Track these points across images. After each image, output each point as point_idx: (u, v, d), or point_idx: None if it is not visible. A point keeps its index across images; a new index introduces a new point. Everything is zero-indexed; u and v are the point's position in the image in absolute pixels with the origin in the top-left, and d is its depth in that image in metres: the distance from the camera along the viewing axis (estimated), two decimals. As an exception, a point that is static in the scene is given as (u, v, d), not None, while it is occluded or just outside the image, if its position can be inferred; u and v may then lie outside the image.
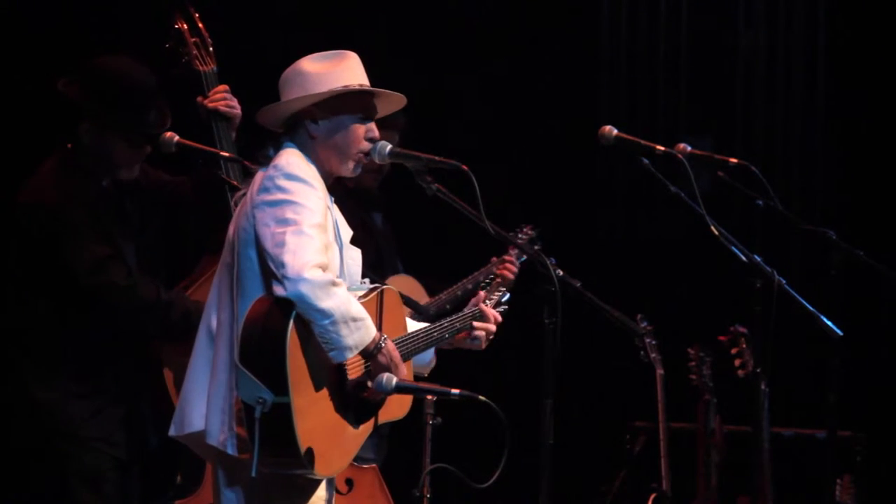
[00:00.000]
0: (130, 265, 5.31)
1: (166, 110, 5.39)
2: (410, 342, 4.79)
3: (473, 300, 5.05)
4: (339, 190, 5.83)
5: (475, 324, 4.95)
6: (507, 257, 6.25)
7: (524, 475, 5.21)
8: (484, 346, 5.00)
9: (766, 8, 7.94)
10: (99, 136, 5.32)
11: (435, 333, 4.87)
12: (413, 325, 4.91)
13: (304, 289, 4.37)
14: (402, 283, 5.91)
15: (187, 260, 5.64)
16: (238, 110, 5.51)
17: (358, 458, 5.19)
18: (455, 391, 4.73)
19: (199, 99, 5.52)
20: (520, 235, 6.42)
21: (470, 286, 6.20)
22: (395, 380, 4.54)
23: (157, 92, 5.35)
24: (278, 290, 4.41)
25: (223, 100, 5.50)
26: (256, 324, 4.44)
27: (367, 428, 4.67)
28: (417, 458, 5.83)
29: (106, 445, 5.29)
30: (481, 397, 4.61)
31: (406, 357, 4.73)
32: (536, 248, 6.33)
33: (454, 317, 4.96)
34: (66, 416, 5.26)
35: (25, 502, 5.39)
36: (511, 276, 6.16)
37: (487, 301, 5.08)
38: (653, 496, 6.77)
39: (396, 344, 4.68)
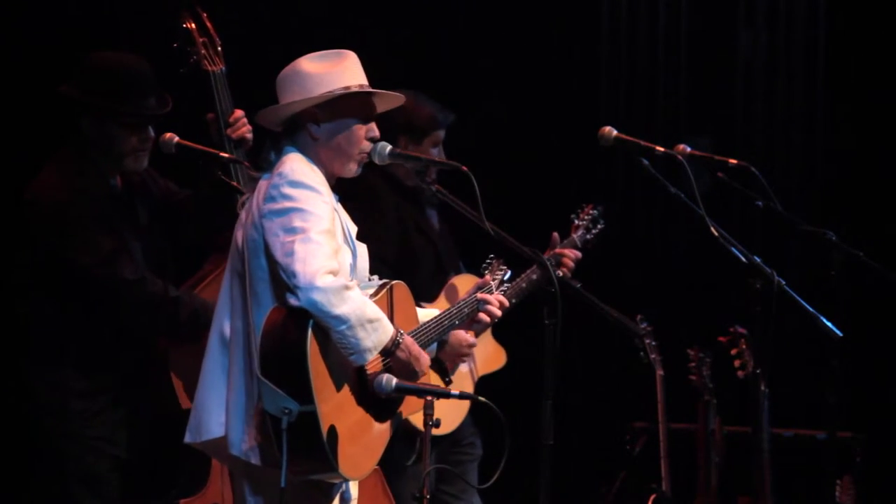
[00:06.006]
0: (138, 261, 5.31)
1: (166, 95, 5.38)
2: (424, 333, 4.83)
3: (479, 282, 5.06)
4: (396, 193, 5.85)
5: (480, 312, 4.97)
6: (565, 249, 6.17)
7: (524, 475, 5.21)
8: (489, 325, 5.05)
9: (766, 8, 7.94)
10: (100, 128, 5.31)
11: (446, 321, 4.91)
12: (422, 316, 4.93)
13: (318, 297, 4.39)
14: (466, 283, 5.84)
15: (190, 263, 5.64)
16: (251, 134, 5.49)
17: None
18: (455, 391, 4.74)
19: (211, 116, 5.50)
20: (582, 216, 6.36)
21: (534, 276, 6.04)
22: (394, 380, 4.55)
23: (152, 78, 5.34)
24: (292, 300, 4.42)
25: (243, 126, 5.49)
26: (274, 335, 4.45)
27: (390, 424, 4.70)
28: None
29: (107, 445, 5.29)
30: (481, 398, 4.62)
31: (422, 348, 4.75)
32: (595, 231, 6.30)
33: (461, 302, 4.99)
34: (68, 416, 5.26)
35: (26, 503, 5.39)
36: (572, 264, 6.11)
37: (492, 282, 5.10)
38: (653, 496, 6.76)
39: (411, 337, 4.70)
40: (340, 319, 4.41)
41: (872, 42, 7.82)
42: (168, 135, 5.42)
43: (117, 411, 5.31)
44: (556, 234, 6.13)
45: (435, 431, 4.59)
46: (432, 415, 4.56)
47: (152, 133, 5.35)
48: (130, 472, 5.33)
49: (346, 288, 4.43)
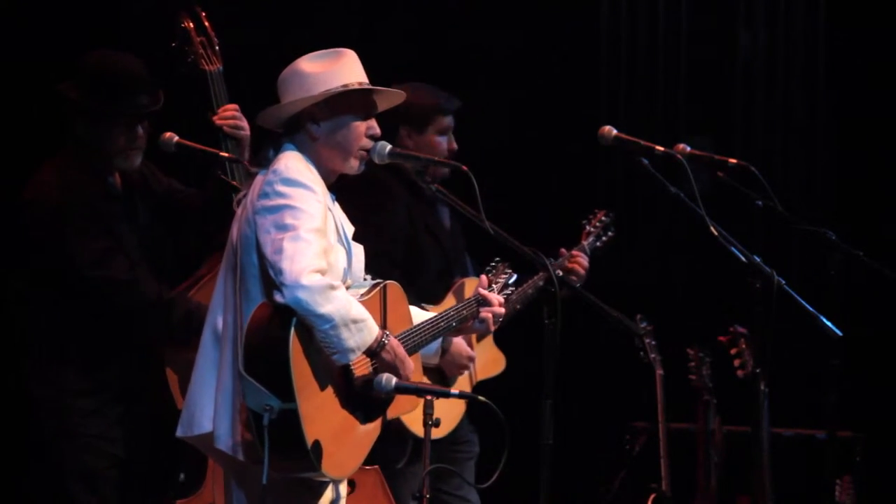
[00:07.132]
0: (134, 261, 5.30)
1: (158, 92, 5.36)
2: (417, 335, 4.80)
3: (477, 284, 5.05)
4: (407, 190, 5.82)
5: (482, 309, 4.96)
6: (574, 252, 6.18)
7: (524, 475, 5.21)
8: (493, 328, 5.02)
9: (765, 8, 7.94)
10: (91, 127, 5.31)
11: (441, 323, 4.89)
12: (419, 317, 4.91)
13: (303, 295, 4.38)
14: (474, 286, 5.84)
15: (189, 261, 5.63)
16: (247, 131, 5.47)
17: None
18: (455, 391, 4.73)
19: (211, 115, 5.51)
20: (594, 222, 6.36)
21: (541, 283, 6.05)
22: (394, 380, 4.54)
23: (143, 75, 5.33)
24: (278, 297, 4.42)
25: (232, 118, 5.48)
26: (258, 332, 4.44)
27: (377, 425, 4.68)
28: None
29: (105, 443, 5.29)
30: (481, 398, 4.61)
31: (414, 350, 4.75)
32: (605, 238, 6.35)
33: (459, 305, 4.97)
34: (65, 414, 5.26)
35: (24, 501, 5.38)
36: (582, 271, 6.11)
37: (493, 285, 5.09)
38: (653, 496, 6.77)
39: (402, 338, 4.70)
40: (324, 318, 4.40)
41: (872, 42, 7.81)
42: (168, 134, 5.42)
43: (116, 409, 5.31)
44: (563, 250, 6.14)
45: (434, 432, 4.59)
46: (432, 414, 4.55)
47: (141, 131, 5.34)
48: (128, 471, 5.33)
49: (332, 287, 4.42)
